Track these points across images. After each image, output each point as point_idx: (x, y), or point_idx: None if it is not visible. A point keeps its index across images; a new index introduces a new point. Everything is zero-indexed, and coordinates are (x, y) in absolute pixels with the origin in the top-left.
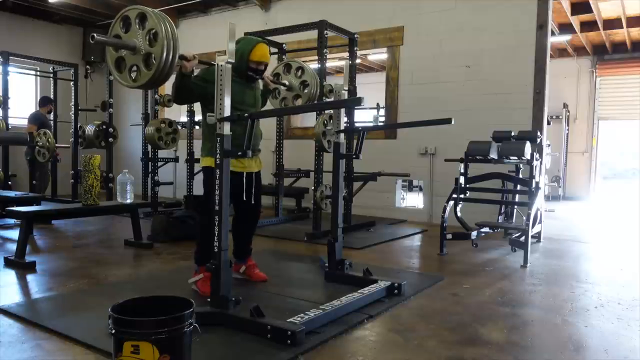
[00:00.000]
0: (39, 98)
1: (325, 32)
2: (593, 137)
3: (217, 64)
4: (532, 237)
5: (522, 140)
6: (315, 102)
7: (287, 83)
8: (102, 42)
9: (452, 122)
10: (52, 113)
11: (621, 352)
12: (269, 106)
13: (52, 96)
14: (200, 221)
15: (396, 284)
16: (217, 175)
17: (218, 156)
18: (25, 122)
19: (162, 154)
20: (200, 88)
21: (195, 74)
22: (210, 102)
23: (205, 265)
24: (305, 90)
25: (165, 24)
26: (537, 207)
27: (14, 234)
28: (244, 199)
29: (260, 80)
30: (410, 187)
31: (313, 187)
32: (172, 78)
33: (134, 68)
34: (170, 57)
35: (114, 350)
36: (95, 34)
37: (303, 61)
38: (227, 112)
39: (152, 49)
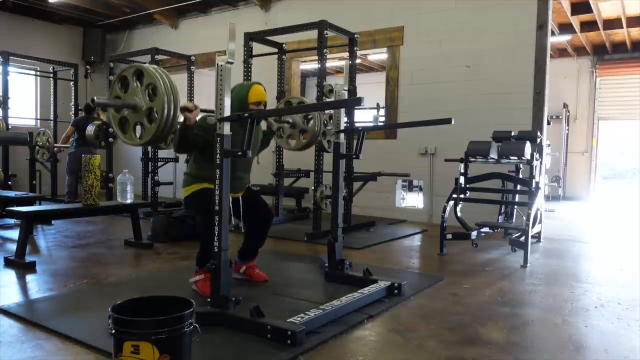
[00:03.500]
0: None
1: (325, 32)
2: (593, 137)
3: (217, 64)
4: (532, 237)
5: (522, 140)
6: (320, 135)
7: (290, 120)
8: (103, 105)
9: (452, 122)
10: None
11: (621, 352)
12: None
13: (52, 96)
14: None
15: (396, 284)
16: (217, 175)
17: (218, 156)
18: (25, 122)
19: (162, 154)
20: (201, 138)
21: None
22: (208, 150)
23: (205, 266)
24: (310, 124)
25: (162, 76)
26: (537, 207)
27: (14, 234)
28: (233, 219)
29: (263, 122)
30: (410, 187)
31: (313, 187)
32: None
33: (138, 126)
34: (172, 108)
35: (114, 350)
36: (95, 97)
37: (303, 61)
38: (227, 112)
39: (153, 103)
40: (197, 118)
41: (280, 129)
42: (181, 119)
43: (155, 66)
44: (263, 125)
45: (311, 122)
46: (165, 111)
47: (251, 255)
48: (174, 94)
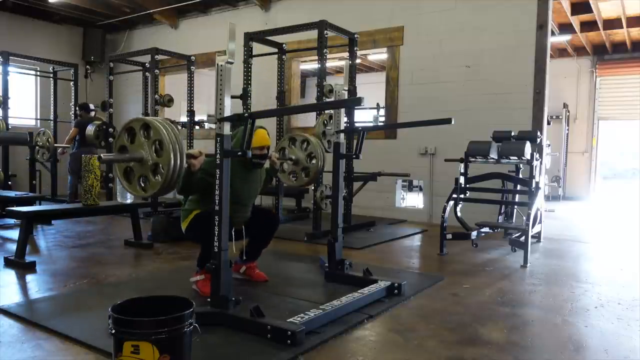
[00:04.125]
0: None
1: (325, 32)
2: (593, 137)
3: (217, 64)
4: (532, 237)
5: (522, 140)
6: (322, 172)
7: (293, 157)
8: (110, 161)
9: (452, 122)
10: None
11: (621, 352)
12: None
13: (52, 96)
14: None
15: (396, 284)
16: (217, 175)
17: (218, 156)
18: (25, 122)
19: None
20: (205, 181)
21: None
22: (210, 192)
23: (205, 266)
24: (312, 162)
25: (168, 130)
26: (537, 207)
27: (14, 234)
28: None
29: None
30: (410, 187)
31: (313, 187)
32: (173, 79)
33: (142, 178)
34: (178, 165)
35: (114, 350)
36: (102, 155)
37: (303, 61)
38: (227, 112)
39: (160, 159)
40: (204, 162)
41: (282, 164)
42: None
43: (161, 119)
44: (267, 163)
45: (314, 160)
46: (171, 167)
47: (254, 257)
48: (180, 149)
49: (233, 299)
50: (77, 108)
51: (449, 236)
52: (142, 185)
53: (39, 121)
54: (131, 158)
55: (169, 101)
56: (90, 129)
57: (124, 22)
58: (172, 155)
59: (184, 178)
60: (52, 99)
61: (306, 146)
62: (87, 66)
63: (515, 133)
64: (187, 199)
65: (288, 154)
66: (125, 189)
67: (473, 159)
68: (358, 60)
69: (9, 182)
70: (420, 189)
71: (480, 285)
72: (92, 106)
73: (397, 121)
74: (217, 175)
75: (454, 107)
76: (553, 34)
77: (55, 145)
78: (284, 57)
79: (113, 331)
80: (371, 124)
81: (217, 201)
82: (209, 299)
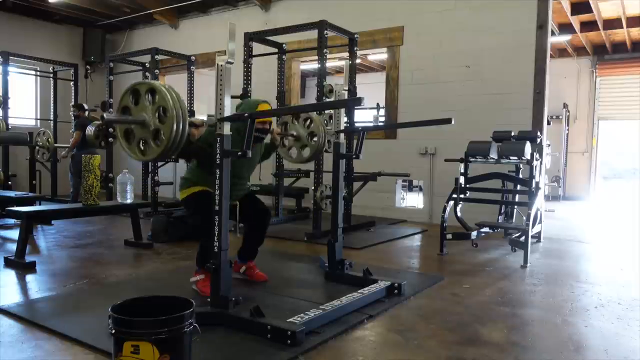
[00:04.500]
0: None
1: (325, 32)
2: (593, 137)
3: (217, 64)
4: (532, 237)
5: (522, 140)
6: (322, 152)
7: (294, 133)
8: (112, 122)
9: (452, 122)
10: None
11: (621, 352)
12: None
13: (52, 96)
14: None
15: (396, 284)
16: (217, 175)
17: (218, 156)
18: (25, 122)
19: None
20: (204, 151)
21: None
22: (209, 160)
23: (205, 266)
24: (314, 141)
25: (174, 99)
26: (537, 207)
27: (14, 234)
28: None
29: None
30: (410, 187)
31: (313, 187)
32: (173, 79)
33: (142, 141)
34: (180, 133)
35: (114, 350)
36: (105, 114)
37: (303, 61)
38: (227, 112)
39: (162, 126)
40: (205, 131)
41: (282, 140)
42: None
43: (168, 86)
44: (267, 138)
45: (315, 138)
46: (173, 135)
47: (251, 255)
48: (184, 119)
49: (233, 299)
50: (73, 109)
51: (449, 236)
52: (142, 149)
53: (39, 121)
54: (134, 120)
55: None
56: (90, 129)
57: (124, 22)
58: (174, 124)
59: (183, 146)
60: (52, 99)
61: (309, 124)
62: (87, 66)
63: (515, 133)
64: (190, 169)
65: (290, 129)
66: (123, 149)
67: (473, 159)
68: (358, 60)
69: (9, 182)
70: (420, 189)
71: (480, 285)
72: (85, 106)
73: (397, 121)
74: (217, 175)
75: (454, 107)
76: (553, 34)
77: (56, 145)
78: (284, 57)
79: (113, 331)
80: (371, 124)
81: (217, 201)
82: (209, 299)
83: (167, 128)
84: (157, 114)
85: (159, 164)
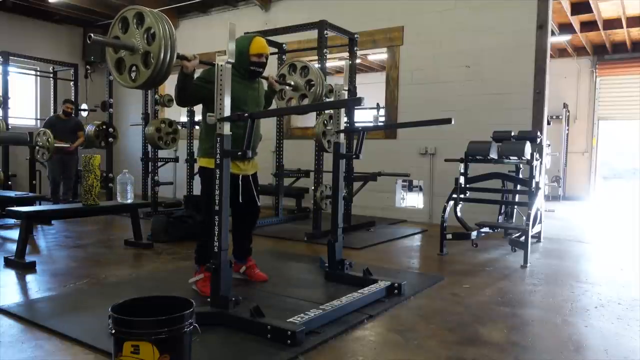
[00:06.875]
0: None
1: (325, 32)
2: (593, 137)
3: (217, 64)
4: (532, 237)
5: (522, 140)
6: (320, 100)
7: (292, 83)
8: (99, 43)
9: (452, 122)
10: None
11: (621, 352)
12: (274, 105)
13: (52, 96)
14: (200, 220)
15: (396, 284)
16: (217, 175)
17: (218, 156)
18: (25, 122)
19: (162, 154)
20: (202, 89)
21: (197, 75)
22: (212, 103)
23: (205, 265)
24: (312, 89)
25: (162, 23)
26: (537, 207)
27: (14, 234)
28: (240, 201)
29: (264, 82)
30: (410, 187)
31: (313, 187)
32: (173, 79)
33: (133, 68)
34: (169, 55)
35: (114, 350)
36: (92, 34)
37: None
38: (227, 112)
39: (150, 48)
40: (201, 70)
41: (282, 91)
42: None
43: (156, 11)
44: (266, 86)
45: (313, 87)
46: (161, 56)
47: (246, 254)
48: (172, 41)
49: (233, 299)
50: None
51: (449, 236)
52: (132, 76)
53: (38, 121)
54: (122, 44)
55: (169, 101)
56: (90, 129)
57: None
58: (162, 44)
59: (178, 83)
60: (52, 99)
61: (306, 73)
62: (87, 66)
63: (515, 133)
64: (202, 129)
65: (288, 80)
66: (115, 79)
67: (473, 159)
68: (358, 60)
69: (9, 182)
70: (420, 189)
71: (480, 285)
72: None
73: (397, 121)
74: (217, 175)
75: (454, 107)
76: (553, 34)
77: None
78: (284, 57)
79: (113, 331)
80: (371, 124)
81: (217, 201)
82: (209, 299)
83: (155, 48)
84: (145, 37)
85: (159, 163)
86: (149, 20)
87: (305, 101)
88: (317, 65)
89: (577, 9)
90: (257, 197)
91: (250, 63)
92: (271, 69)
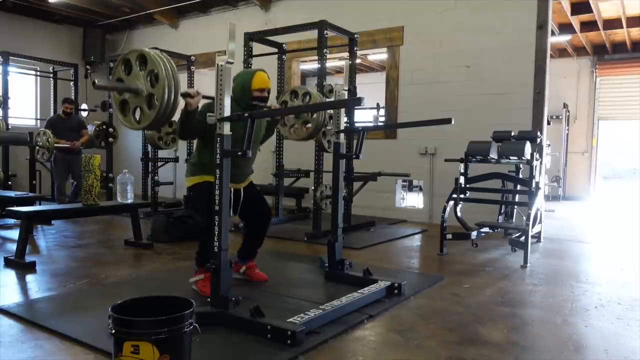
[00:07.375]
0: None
1: (325, 32)
2: (593, 137)
3: (217, 64)
4: (532, 237)
5: (522, 140)
6: (324, 128)
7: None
8: (104, 89)
9: (452, 122)
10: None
11: (621, 352)
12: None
13: (52, 96)
14: (200, 224)
15: (396, 284)
16: (217, 175)
17: (218, 156)
18: (25, 122)
19: (162, 154)
20: (203, 124)
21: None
22: (211, 137)
23: (205, 266)
24: (314, 116)
25: (165, 63)
26: (537, 207)
27: (14, 234)
28: (233, 213)
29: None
30: (410, 187)
31: (313, 187)
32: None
33: (138, 110)
34: (172, 96)
35: (114, 350)
36: (96, 81)
37: (303, 61)
38: (227, 112)
39: (154, 90)
40: (200, 104)
41: (284, 119)
42: (183, 104)
43: (158, 51)
44: None
45: (315, 114)
46: (165, 98)
47: (251, 255)
48: (175, 81)
49: (233, 299)
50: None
51: (449, 236)
52: (137, 118)
53: (38, 121)
54: (126, 87)
55: None
56: (90, 129)
57: (124, 22)
58: (166, 86)
59: (180, 118)
60: (52, 99)
61: (308, 99)
62: (87, 66)
63: (515, 133)
64: (195, 151)
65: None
66: (120, 121)
67: (473, 159)
68: (358, 60)
69: (9, 182)
70: (420, 189)
71: (480, 285)
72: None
73: (397, 121)
74: (217, 175)
75: (454, 107)
76: (553, 34)
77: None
78: (284, 57)
79: (113, 331)
80: (371, 124)
81: (217, 201)
82: (209, 299)
83: (159, 91)
84: (149, 79)
85: (159, 163)
86: (151, 62)
87: (309, 126)
88: (317, 65)
89: (577, 9)
90: (263, 202)
91: (252, 98)
92: (271, 69)
